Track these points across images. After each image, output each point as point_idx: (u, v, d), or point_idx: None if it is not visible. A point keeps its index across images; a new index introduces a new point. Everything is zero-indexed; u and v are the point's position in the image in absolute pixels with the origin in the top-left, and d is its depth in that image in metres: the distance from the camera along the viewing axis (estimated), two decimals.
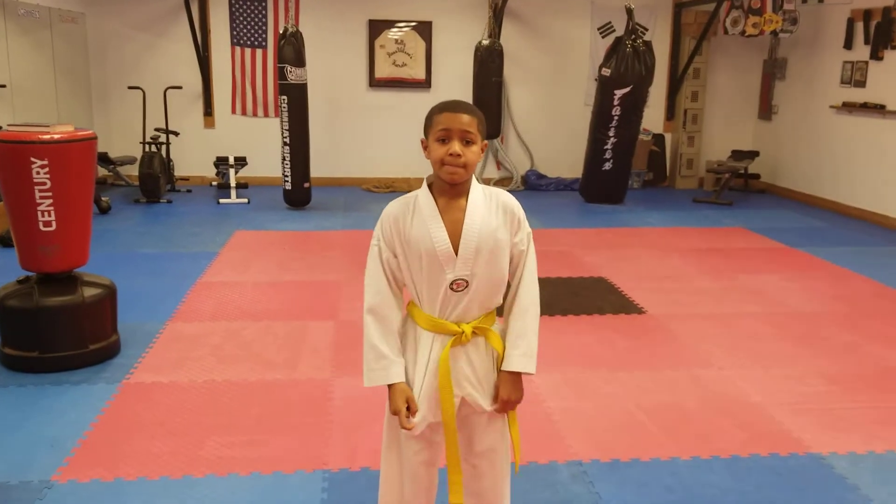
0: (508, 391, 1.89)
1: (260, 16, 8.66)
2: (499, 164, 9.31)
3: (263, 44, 8.72)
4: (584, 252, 6.06)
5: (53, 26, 7.59)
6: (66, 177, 3.44)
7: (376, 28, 8.82)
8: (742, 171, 8.89)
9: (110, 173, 8.42)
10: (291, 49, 7.12)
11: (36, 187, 3.37)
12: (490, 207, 1.84)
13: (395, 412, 1.86)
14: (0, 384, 3.44)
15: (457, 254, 1.80)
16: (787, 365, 3.87)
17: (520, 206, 1.91)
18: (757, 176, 9.26)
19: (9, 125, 3.58)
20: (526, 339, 1.89)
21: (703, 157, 9.51)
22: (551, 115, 9.24)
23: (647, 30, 8.98)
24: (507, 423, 1.97)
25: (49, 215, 3.44)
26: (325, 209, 7.52)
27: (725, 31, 8.68)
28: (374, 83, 8.90)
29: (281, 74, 7.19)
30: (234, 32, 8.70)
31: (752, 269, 5.68)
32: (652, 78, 8.02)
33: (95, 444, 2.93)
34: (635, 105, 7.98)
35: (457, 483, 1.89)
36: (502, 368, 1.89)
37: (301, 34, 7.26)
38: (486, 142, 1.85)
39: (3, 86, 6.89)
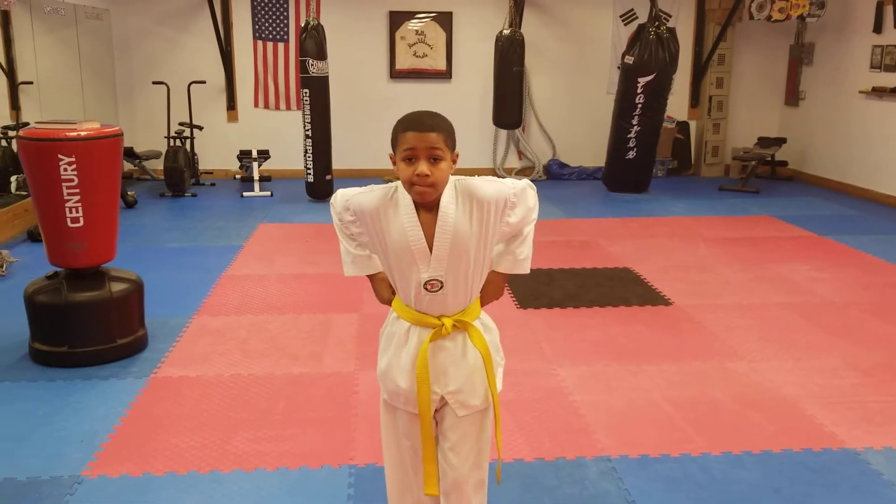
0: (488, 290, 1.93)
1: (281, 10, 8.67)
2: (520, 154, 9.25)
3: (285, 37, 8.72)
4: (608, 242, 6.00)
5: (79, 23, 7.64)
6: (93, 173, 3.46)
7: (397, 19, 8.78)
8: (769, 159, 8.76)
9: (136, 168, 8.49)
10: (313, 42, 7.12)
11: (63, 184, 3.40)
12: (462, 206, 1.79)
13: (382, 301, 1.97)
14: (30, 379, 3.48)
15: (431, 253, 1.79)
16: (818, 357, 3.80)
17: (505, 186, 1.84)
18: (784, 163, 9.12)
19: (36, 123, 3.60)
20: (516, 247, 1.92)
21: (728, 145, 9.38)
22: (573, 104, 9.16)
23: (670, 16, 8.86)
24: (489, 424, 1.94)
25: (77, 212, 3.46)
26: None
27: (751, 17, 8.54)
28: (395, 75, 8.88)
29: (303, 68, 7.19)
30: (257, 27, 8.71)
31: (781, 258, 5.59)
32: (676, 65, 7.92)
33: (124, 439, 2.95)
34: (659, 92, 7.88)
35: (431, 475, 1.88)
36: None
37: (322, 27, 7.25)
38: (457, 153, 1.79)
39: (31, 82, 6.96)
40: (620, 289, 4.84)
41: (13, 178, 6.62)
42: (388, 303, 1.95)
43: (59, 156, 3.37)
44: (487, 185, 1.82)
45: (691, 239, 6.17)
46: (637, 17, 8.82)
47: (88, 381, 3.46)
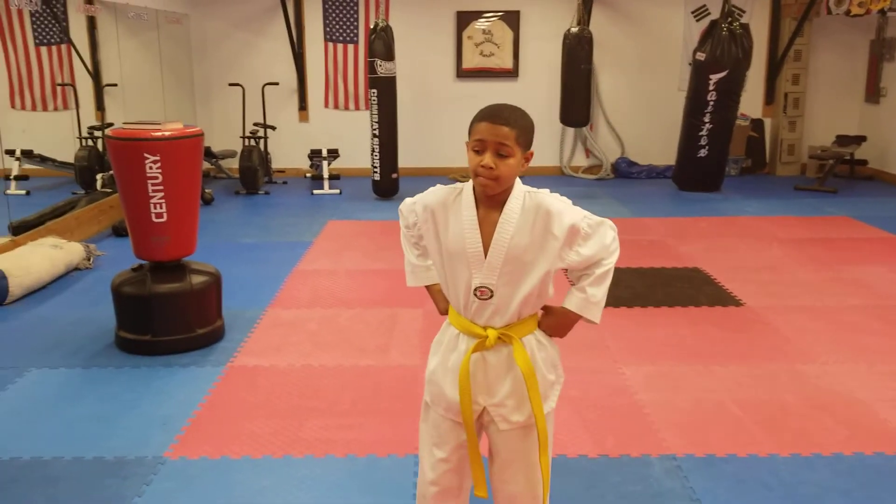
0: (550, 323, 1.86)
1: (351, 12, 8.84)
2: (588, 152, 9.20)
3: (355, 39, 8.89)
4: (677, 242, 5.94)
5: (160, 27, 7.97)
6: (176, 171, 3.63)
7: (464, 19, 8.85)
8: (847, 157, 8.49)
9: (213, 166, 8.80)
10: (381, 43, 7.25)
11: (149, 181, 3.58)
12: (527, 215, 1.75)
13: (440, 312, 1.96)
14: (116, 366, 3.68)
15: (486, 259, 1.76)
16: (894, 361, 3.70)
17: (581, 214, 1.78)
18: (864, 162, 8.81)
19: (124, 123, 3.80)
20: (590, 289, 1.82)
21: (805, 143, 9.12)
22: (643, 102, 9.06)
23: (744, 12, 8.67)
24: (534, 446, 1.86)
25: (160, 207, 3.64)
26: None
27: (829, 11, 8.29)
28: (462, 74, 8.95)
29: (371, 68, 7.33)
30: (328, 29, 8.90)
31: (858, 259, 5.43)
32: (749, 61, 7.76)
33: (203, 424, 3.10)
34: (732, 89, 7.74)
35: (479, 479, 1.86)
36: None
37: (391, 28, 7.37)
38: (530, 152, 1.76)
39: (115, 84, 7.30)
40: (689, 289, 4.79)
41: (99, 176, 6.96)
42: (446, 313, 1.93)
43: (145, 154, 3.55)
44: (560, 203, 1.78)
45: (764, 239, 6.04)
46: (709, 13, 8.67)
47: (170, 369, 3.63)
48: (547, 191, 1.81)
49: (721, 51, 7.59)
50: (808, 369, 3.60)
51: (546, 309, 1.87)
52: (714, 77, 7.66)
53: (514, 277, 1.76)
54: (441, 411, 1.88)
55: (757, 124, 9.13)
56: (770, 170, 9.24)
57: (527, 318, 1.82)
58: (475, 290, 1.77)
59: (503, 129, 1.69)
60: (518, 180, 1.80)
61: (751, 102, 8.94)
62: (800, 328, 4.12)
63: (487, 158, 1.70)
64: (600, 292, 1.83)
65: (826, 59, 9.00)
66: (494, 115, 1.72)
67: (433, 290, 2.00)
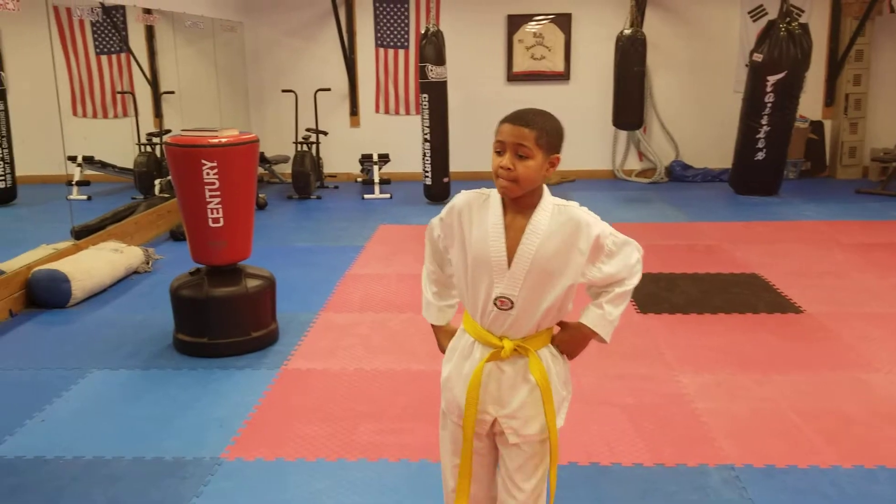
0: (564, 338, 1.83)
1: (402, 17, 8.90)
2: (641, 156, 9.08)
3: (405, 44, 8.94)
4: (734, 247, 5.81)
5: (216, 35, 8.14)
6: (232, 177, 3.70)
7: (515, 23, 8.83)
8: None
9: (266, 171, 8.94)
10: (432, 48, 7.28)
11: (206, 187, 3.65)
12: (555, 225, 1.72)
13: (442, 350, 1.96)
14: (174, 367, 3.76)
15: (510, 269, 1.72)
16: None
17: (609, 230, 1.77)
18: None
19: (182, 130, 3.89)
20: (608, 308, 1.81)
21: (867, 145, 8.85)
22: (698, 104, 8.91)
23: (802, 11, 8.47)
24: (544, 461, 1.85)
25: (217, 212, 3.71)
26: None
27: (892, 10, 8.05)
28: (512, 77, 8.92)
29: (422, 73, 7.36)
30: (379, 34, 8.98)
31: None
32: (808, 62, 7.56)
33: (259, 426, 3.14)
34: (790, 91, 7.55)
35: (463, 491, 1.86)
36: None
37: (441, 33, 7.40)
38: (556, 156, 1.72)
39: (172, 92, 7.47)
40: (747, 295, 4.68)
41: (157, 182, 7.13)
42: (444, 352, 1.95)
43: (203, 161, 3.63)
44: (588, 216, 1.76)
45: (825, 244, 5.87)
46: (766, 13, 8.48)
47: (226, 371, 3.70)
48: (576, 204, 1.78)
49: (779, 52, 7.42)
50: (871, 378, 3.49)
51: (561, 324, 1.85)
52: (772, 78, 7.50)
53: (537, 289, 1.73)
54: (454, 419, 1.88)
55: (816, 126, 8.89)
56: (830, 173, 8.99)
57: (543, 330, 1.80)
58: (495, 299, 1.75)
59: (523, 129, 1.68)
60: (547, 191, 1.77)
61: (810, 104, 8.71)
62: (863, 336, 3.99)
63: (506, 159, 1.69)
64: (617, 312, 1.81)
65: (889, 59, 8.72)
66: (517, 116, 1.72)
67: (440, 331, 2.01)
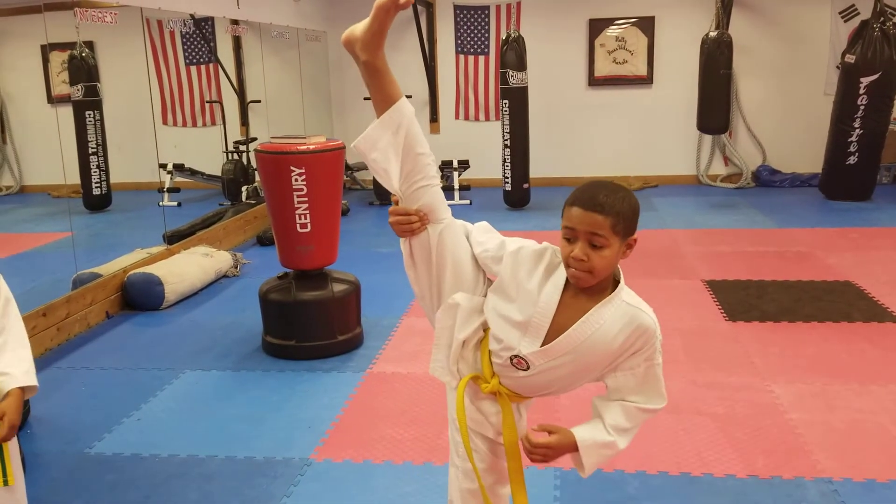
0: (550, 441, 1.64)
1: (482, 24, 8.93)
2: (726, 160, 8.84)
3: (486, 50, 8.97)
4: (826, 253, 5.59)
5: (301, 45, 8.35)
6: (320, 183, 3.79)
7: (596, 27, 8.74)
8: None
9: (348, 178, 9.10)
10: (514, 54, 7.27)
11: (294, 193, 3.75)
12: (615, 330, 1.56)
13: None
14: (263, 369, 3.86)
15: (544, 343, 1.59)
16: None
17: (659, 353, 1.62)
18: None
19: (272, 137, 4.00)
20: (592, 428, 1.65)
21: None
22: (786, 107, 8.62)
23: None
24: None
25: (305, 218, 3.80)
26: (543, 209, 7.57)
27: None
28: (593, 82, 8.82)
29: (503, 79, 7.36)
30: (459, 41, 9.03)
31: None
32: None
33: (346, 428, 3.20)
34: (885, 93, 7.24)
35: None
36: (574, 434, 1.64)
37: (522, 38, 7.38)
38: (633, 238, 1.55)
39: (258, 101, 7.70)
40: (841, 303, 4.49)
41: (244, 189, 7.36)
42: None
43: (291, 167, 3.72)
44: (652, 319, 1.59)
45: None
46: (858, 13, 8.15)
47: (313, 373, 3.78)
48: (646, 305, 1.61)
49: (873, 52, 7.14)
50: None
51: (553, 428, 1.65)
52: (865, 80, 7.21)
53: (563, 369, 1.61)
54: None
55: None
56: None
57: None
58: (513, 356, 1.63)
59: (597, 217, 1.50)
60: (622, 277, 1.62)
61: None
62: None
63: (578, 249, 1.52)
64: (624, 443, 1.64)
65: None
66: (589, 199, 1.52)
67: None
